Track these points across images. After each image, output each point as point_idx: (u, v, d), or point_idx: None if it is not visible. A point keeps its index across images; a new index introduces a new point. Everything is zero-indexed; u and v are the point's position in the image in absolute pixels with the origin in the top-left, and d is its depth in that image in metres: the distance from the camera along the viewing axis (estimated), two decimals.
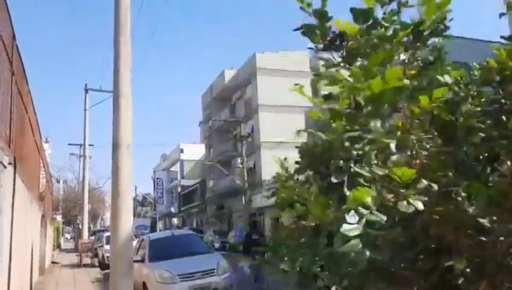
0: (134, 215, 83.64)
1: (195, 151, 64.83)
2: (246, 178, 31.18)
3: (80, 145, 41.08)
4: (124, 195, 6.60)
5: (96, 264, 21.59)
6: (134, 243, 10.28)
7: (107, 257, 19.98)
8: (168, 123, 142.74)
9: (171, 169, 70.77)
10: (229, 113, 38.68)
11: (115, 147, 6.78)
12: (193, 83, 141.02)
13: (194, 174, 61.69)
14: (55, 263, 23.01)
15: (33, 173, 11.20)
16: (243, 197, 31.62)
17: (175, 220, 72.56)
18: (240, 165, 31.50)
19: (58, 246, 37.16)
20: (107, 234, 23.36)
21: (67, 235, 74.82)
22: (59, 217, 43.43)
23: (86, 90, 24.47)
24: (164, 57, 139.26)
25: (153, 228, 67.39)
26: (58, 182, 45.72)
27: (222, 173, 39.21)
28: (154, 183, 75.58)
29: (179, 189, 63.01)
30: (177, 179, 65.52)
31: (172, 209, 63.09)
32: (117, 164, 6.71)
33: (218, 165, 34.90)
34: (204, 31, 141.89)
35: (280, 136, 32.85)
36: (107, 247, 20.69)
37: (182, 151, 64.82)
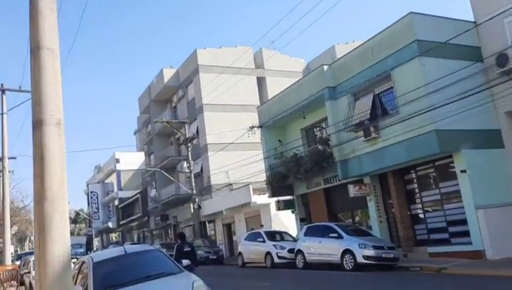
0: None
1: (132, 160, 60.93)
2: (193, 184, 28.79)
3: None
4: (54, 197, 4.34)
5: None
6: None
7: None
8: (101, 132, 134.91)
9: (106, 181, 66.08)
10: (170, 115, 36.08)
11: (37, 125, 4.51)
12: (127, 88, 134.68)
13: (133, 185, 57.90)
14: None
15: None
16: (191, 205, 29.18)
17: (113, 236, 67.83)
18: (187, 170, 29.03)
19: None
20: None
21: None
22: None
23: (3, 91, 20.94)
24: (90, 58, 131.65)
25: (89, 246, 62.41)
26: None
27: (166, 181, 36.37)
28: (88, 197, 70.13)
29: (116, 202, 58.70)
30: (114, 191, 61.12)
31: (110, 224, 58.62)
32: (41, 151, 4.44)
33: (162, 172, 32.13)
34: (136, 28, 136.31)
35: (227, 137, 30.88)
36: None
37: (117, 161, 60.58)
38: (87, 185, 70.98)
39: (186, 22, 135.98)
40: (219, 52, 34.09)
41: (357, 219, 19.44)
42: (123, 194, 56.91)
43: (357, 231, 14.77)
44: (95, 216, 63.81)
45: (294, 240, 18.74)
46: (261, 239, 17.91)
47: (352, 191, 17.06)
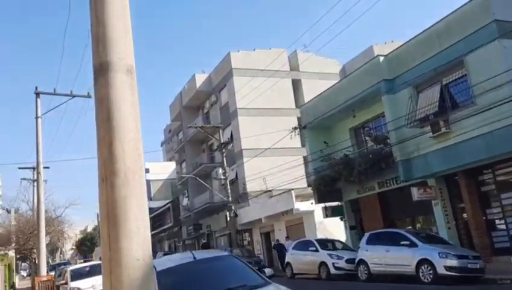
0: (97, 245, 77.36)
1: (161, 170, 60.36)
2: (229, 191, 27.42)
3: (33, 168, 36.12)
4: (129, 172, 2.98)
5: None
6: None
7: None
8: None
9: None
10: (203, 121, 34.92)
11: (101, 71, 3.16)
12: (155, 98, 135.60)
13: (162, 195, 57.16)
14: None
15: None
16: (227, 213, 27.78)
17: None
18: (222, 177, 27.70)
19: (11, 286, 31.67)
20: (73, 267, 18.95)
21: (23, 273, 67.62)
22: (11, 252, 37.67)
23: (37, 94, 20.16)
24: None
25: None
26: (9, 212, 40.01)
27: (199, 189, 35.15)
28: None
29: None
30: None
31: None
32: (107, 108, 3.07)
33: (197, 178, 30.89)
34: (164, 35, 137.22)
35: (262, 142, 29.48)
36: (74, 284, 16.49)
37: (147, 171, 59.82)
38: None
39: (215, 27, 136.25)
40: (253, 55, 32.89)
41: (418, 226, 17.58)
42: (153, 204, 56.10)
43: (431, 238, 12.99)
44: None
45: (349, 249, 17.02)
46: (314, 248, 16.27)
47: (417, 194, 15.27)
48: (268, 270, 5.90)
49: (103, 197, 2.93)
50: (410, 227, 17.55)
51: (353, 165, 17.58)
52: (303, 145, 32.44)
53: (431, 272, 11.44)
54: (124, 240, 2.82)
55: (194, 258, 5.41)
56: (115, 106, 3.00)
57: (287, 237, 24.55)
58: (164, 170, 60.16)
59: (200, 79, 35.01)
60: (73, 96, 20.51)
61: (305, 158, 31.45)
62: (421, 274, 11.72)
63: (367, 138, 18.67)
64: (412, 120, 15.04)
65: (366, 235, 14.29)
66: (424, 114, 14.59)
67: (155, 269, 5.23)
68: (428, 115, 14.50)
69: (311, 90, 32.17)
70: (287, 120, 31.47)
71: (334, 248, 16.65)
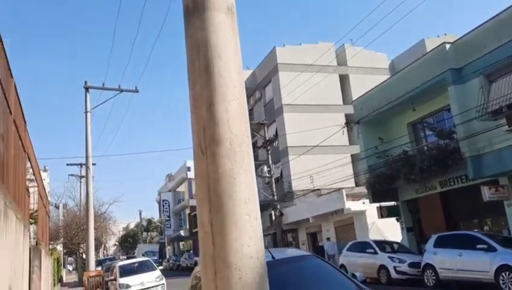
0: (139, 241, 78.74)
1: None
2: (274, 189, 26.64)
3: (80, 164, 36.80)
4: (234, 140, 2.19)
5: None
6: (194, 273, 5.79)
7: None
8: (171, 140, 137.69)
9: (178, 189, 66.08)
10: None
11: (195, 8, 2.36)
12: None
13: None
14: None
15: (15, 178, 6.94)
16: (272, 212, 27.02)
17: (181, 244, 67.54)
18: (267, 175, 26.95)
19: (59, 280, 32.33)
20: (121, 263, 18.79)
21: (69, 267, 69.72)
22: (59, 247, 38.59)
23: (87, 89, 20.17)
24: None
25: (161, 254, 62.36)
26: (58, 207, 41.02)
27: None
28: (159, 205, 70.75)
29: (188, 210, 58.17)
30: (185, 200, 60.79)
31: (182, 233, 58.06)
32: (205, 56, 2.27)
33: None
34: None
35: (308, 139, 28.53)
36: (123, 280, 16.24)
37: (189, 169, 60.09)
38: (159, 194, 71.65)
39: (258, 22, 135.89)
40: (299, 50, 31.99)
41: (486, 228, 16.11)
42: (194, 202, 56.07)
43: (509, 242, 11.65)
44: (167, 224, 63.90)
45: (410, 251, 15.82)
46: (372, 250, 15.18)
47: (488, 194, 13.90)
48: (360, 275, 5.05)
49: (202, 172, 2.19)
50: (477, 230, 16.11)
51: (414, 162, 16.34)
52: (351, 143, 31.25)
53: None
54: (232, 231, 2.07)
55: (273, 257, 4.61)
56: (215, 53, 2.26)
57: (328, 239, 23.62)
58: None
59: (244, 75, 34.40)
60: (122, 91, 20.41)
61: (353, 156, 30.28)
62: (501, 281, 10.46)
63: (429, 133, 17.33)
64: (484, 112, 13.70)
65: (434, 237, 13.08)
66: (498, 106, 13.23)
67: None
68: (503, 106, 13.13)
69: (359, 85, 30.91)
70: (333, 117, 30.38)
71: (394, 251, 15.48)
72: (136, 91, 20.64)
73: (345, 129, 20.11)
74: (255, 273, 2.06)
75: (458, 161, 14.75)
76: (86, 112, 19.85)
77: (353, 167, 29.68)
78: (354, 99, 31.56)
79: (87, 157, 19.47)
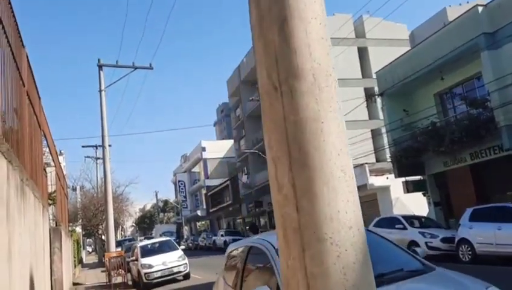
0: (156, 222, 79.53)
1: (218, 148, 60.18)
2: None
3: (95, 146, 36.72)
4: (321, 80, 1.56)
5: (130, 283, 16.80)
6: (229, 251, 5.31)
7: (145, 274, 15.18)
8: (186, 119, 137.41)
9: (193, 170, 66.08)
10: None
11: None
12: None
13: (219, 173, 57.07)
14: (78, 284, 18.23)
15: (32, 158, 6.52)
16: None
17: (198, 224, 67.93)
18: None
19: (79, 261, 32.64)
20: (142, 243, 18.58)
21: (88, 248, 70.82)
22: (78, 229, 38.93)
23: (100, 67, 19.65)
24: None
25: (178, 234, 62.85)
26: (75, 190, 41.24)
27: (260, 165, 34.19)
28: (175, 186, 70.98)
29: (204, 190, 58.23)
30: (201, 180, 60.85)
31: (199, 213, 58.29)
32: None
33: (260, 153, 29.82)
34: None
35: None
36: (144, 261, 16.00)
37: (204, 149, 59.93)
38: (175, 175, 71.84)
39: None
40: None
41: None
42: (210, 182, 56.24)
43: None
44: (184, 205, 64.18)
45: (441, 226, 15.22)
46: (401, 225, 14.60)
47: None
48: (421, 251, 4.52)
49: (276, 116, 1.61)
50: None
51: (443, 134, 15.58)
52: (371, 118, 30.42)
53: None
54: (323, 193, 1.50)
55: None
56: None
57: None
58: (220, 148, 59.95)
59: None
60: (136, 68, 19.83)
61: (373, 131, 29.49)
62: None
63: (459, 103, 16.49)
64: None
65: (469, 210, 12.44)
66: None
67: (273, 247, 3.99)
68: None
69: (379, 58, 29.84)
70: (353, 91, 29.46)
71: (424, 226, 14.88)
72: (151, 68, 20.06)
73: (365, 103, 19.31)
74: (357, 249, 1.49)
75: (492, 130, 13.96)
76: (100, 90, 19.40)
77: (373, 142, 28.94)
78: (374, 72, 30.66)
79: (103, 137, 19.09)
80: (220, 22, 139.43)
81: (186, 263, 15.38)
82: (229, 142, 61.21)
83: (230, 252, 5.23)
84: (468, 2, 34.73)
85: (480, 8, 14.21)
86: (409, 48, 27.24)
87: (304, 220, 1.50)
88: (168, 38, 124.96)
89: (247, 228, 35.85)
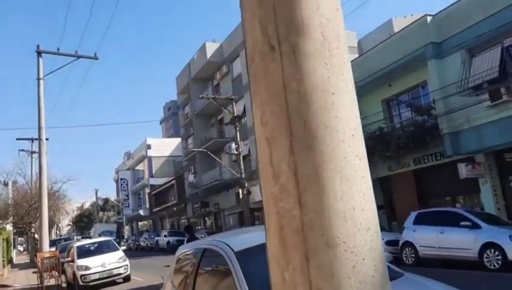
0: (94, 221, 76.29)
1: (163, 146, 58.72)
2: (242, 167, 25.82)
3: (31, 139, 34.34)
4: (332, 40, 1.19)
5: (64, 285, 15.66)
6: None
7: (81, 276, 14.15)
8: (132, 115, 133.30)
9: (137, 168, 64.04)
10: (213, 94, 33.11)
11: None
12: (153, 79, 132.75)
13: (164, 172, 55.69)
14: (5, 286, 16.80)
15: None
16: (240, 190, 26.25)
17: (140, 224, 65.97)
18: (235, 152, 26.05)
19: (9, 261, 30.36)
20: (79, 243, 17.38)
21: (20, 248, 66.52)
22: (9, 226, 36.22)
23: (39, 54, 18.28)
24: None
25: (118, 234, 60.57)
26: (6, 185, 38.37)
27: (207, 165, 33.62)
28: (117, 184, 68.41)
29: (147, 189, 56.57)
30: (144, 179, 59.08)
31: (141, 212, 56.51)
32: None
33: (209, 153, 29.21)
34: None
35: None
36: (81, 262, 14.94)
37: (149, 147, 58.22)
38: (117, 172, 69.23)
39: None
40: None
41: (458, 206, 16.05)
42: (154, 181, 54.74)
43: (494, 219, 11.43)
44: (125, 204, 62.03)
45: (385, 229, 15.55)
46: None
47: (465, 171, 13.70)
48: (387, 255, 4.30)
49: (273, 82, 1.25)
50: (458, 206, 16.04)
51: (389, 139, 15.94)
52: None
53: (499, 257, 9.92)
54: (335, 184, 1.15)
55: None
56: None
57: None
58: (166, 146, 58.55)
59: (211, 48, 33.01)
60: (79, 57, 18.64)
61: None
62: (485, 260, 10.20)
63: (404, 110, 16.98)
64: (465, 88, 13.35)
65: (414, 214, 12.74)
66: (481, 80, 12.89)
67: (231, 249, 3.61)
68: (485, 81, 12.81)
69: None
70: None
71: None
72: (96, 58, 18.94)
73: None
74: (376, 258, 1.16)
75: (436, 137, 14.44)
76: (39, 78, 18.03)
77: None
78: None
79: (39, 129, 17.73)
80: (169, 20, 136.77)
81: (127, 265, 14.57)
82: (176, 141, 59.86)
83: (181, 254, 4.78)
84: (412, 15, 36.30)
85: (429, 18, 14.68)
86: (356, 55, 27.94)
87: (308, 218, 1.14)
88: (115, 30, 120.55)
89: (184, 228, 35.54)
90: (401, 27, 23.06)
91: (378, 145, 16.43)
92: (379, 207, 18.44)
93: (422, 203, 16.69)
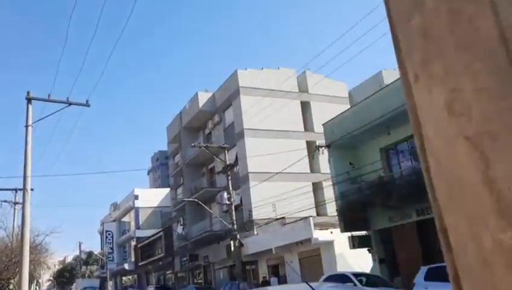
0: (77, 276, 72.77)
1: (151, 196, 57.44)
2: (234, 217, 24.88)
3: (15, 189, 33.08)
4: None
5: None
6: None
7: None
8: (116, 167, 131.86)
9: (123, 219, 62.20)
10: (204, 143, 32.69)
11: None
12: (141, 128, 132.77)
13: (151, 224, 54.07)
14: None
15: None
16: (231, 242, 25.14)
17: (124, 279, 63.07)
18: (227, 202, 25.21)
19: None
20: None
21: None
22: None
23: (29, 100, 17.73)
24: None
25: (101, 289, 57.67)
26: None
27: (197, 216, 32.55)
28: (102, 237, 66.05)
29: (133, 242, 54.54)
30: (130, 231, 57.18)
31: (126, 266, 54.12)
32: None
33: (200, 203, 28.26)
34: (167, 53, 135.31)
35: (269, 166, 27.32)
36: None
37: (136, 197, 56.87)
38: (102, 224, 67.08)
39: (218, 48, 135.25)
40: (261, 74, 31.14)
41: None
42: (141, 233, 52.94)
43: None
44: (110, 257, 59.59)
45: (393, 286, 14.62)
46: (351, 284, 13.78)
47: None
48: None
49: (480, 28, 0.65)
50: None
51: (391, 188, 15.41)
52: (312, 171, 30.35)
53: None
54: None
55: None
56: None
57: (275, 275, 22.91)
58: (153, 197, 57.31)
59: (204, 98, 32.99)
60: (70, 104, 18.15)
61: (314, 185, 29.31)
62: None
63: (407, 157, 16.59)
64: None
65: (424, 269, 11.94)
66: None
67: None
68: None
69: (320, 113, 30.41)
70: (295, 143, 29.50)
71: (372, 284, 14.17)
72: (87, 105, 18.47)
73: (322, 151, 18.92)
74: None
75: None
76: (27, 125, 17.38)
77: (314, 196, 28.69)
78: (315, 126, 31.04)
79: (25, 177, 16.85)
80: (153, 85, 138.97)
81: None
82: (164, 191, 58.62)
83: None
84: None
85: None
86: (348, 106, 28.07)
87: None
88: (109, 75, 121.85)
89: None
90: (391, 79, 23.36)
91: (378, 194, 15.86)
92: (380, 261, 17.58)
93: (427, 257, 15.91)
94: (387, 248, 17.76)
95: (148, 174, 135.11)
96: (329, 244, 20.64)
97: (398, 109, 15.46)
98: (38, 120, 18.09)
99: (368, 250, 18.17)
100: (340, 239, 20.24)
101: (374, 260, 18.06)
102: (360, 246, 18.07)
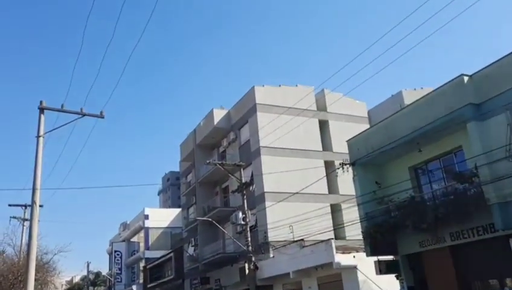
0: None
1: (162, 217, 56.45)
2: (249, 239, 23.71)
3: (24, 206, 32.34)
4: None
5: None
6: None
7: None
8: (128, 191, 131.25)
9: (132, 240, 61.10)
10: (219, 161, 31.76)
11: None
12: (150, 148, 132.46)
13: (161, 244, 52.96)
14: None
15: None
16: (246, 265, 23.90)
17: None
18: (242, 222, 24.08)
19: None
20: None
21: None
22: None
23: (41, 110, 17.05)
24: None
25: None
26: None
27: (210, 237, 31.38)
28: (110, 257, 64.79)
29: (142, 263, 53.29)
30: (140, 251, 56.00)
31: (134, 288, 52.71)
32: None
33: (214, 222, 27.16)
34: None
35: (285, 186, 26.30)
36: None
37: (146, 217, 55.85)
38: (111, 244, 65.95)
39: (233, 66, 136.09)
40: (278, 91, 30.40)
41: None
42: (150, 254, 51.73)
43: None
44: (118, 278, 58.30)
45: None
46: None
47: None
48: None
49: None
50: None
51: (425, 209, 14.22)
52: (330, 192, 29.16)
53: None
54: None
55: None
56: None
57: None
58: (164, 217, 56.32)
59: (219, 115, 32.26)
60: (84, 115, 17.43)
61: (332, 206, 28.07)
62: None
63: (442, 176, 15.41)
64: None
65: None
66: None
67: None
68: None
69: (339, 132, 29.53)
70: (312, 162, 28.50)
71: None
72: (101, 116, 17.73)
73: (346, 168, 17.81)
74: None
75: (482, 208, 12.72)
76: (38, 136, 16.66)
77: (332, 218, 27.40)
78: (334, 145, 29.98)
79: (34, 190, 15.99)
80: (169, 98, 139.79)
81: None
82: (174, 211, 57.61)
83: None
84: (422, 88, 36.12)
85: (465, 78, 13.65)
86: (367, 126, 27.03)
87: None
88: (125, 85, 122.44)
89: None
90: (411, 99, 22.35)
91: (411, 216, 14.66)
92: (409, 288, 16.26)
93: (463, 285, 14.58)
94: (417, 274, 16.41)
95: (159, 194, 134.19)
96: (352, 269, 19.33)
97: (430, 124, 14.43)
98: (50, 131, 17.35)
99: (396, 276, 16.83)
100: (363, 264, 18.97)
101: (402, 287, 16.71)
102: (388, 272, 16.75)
